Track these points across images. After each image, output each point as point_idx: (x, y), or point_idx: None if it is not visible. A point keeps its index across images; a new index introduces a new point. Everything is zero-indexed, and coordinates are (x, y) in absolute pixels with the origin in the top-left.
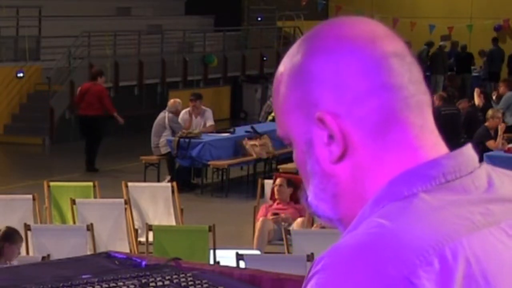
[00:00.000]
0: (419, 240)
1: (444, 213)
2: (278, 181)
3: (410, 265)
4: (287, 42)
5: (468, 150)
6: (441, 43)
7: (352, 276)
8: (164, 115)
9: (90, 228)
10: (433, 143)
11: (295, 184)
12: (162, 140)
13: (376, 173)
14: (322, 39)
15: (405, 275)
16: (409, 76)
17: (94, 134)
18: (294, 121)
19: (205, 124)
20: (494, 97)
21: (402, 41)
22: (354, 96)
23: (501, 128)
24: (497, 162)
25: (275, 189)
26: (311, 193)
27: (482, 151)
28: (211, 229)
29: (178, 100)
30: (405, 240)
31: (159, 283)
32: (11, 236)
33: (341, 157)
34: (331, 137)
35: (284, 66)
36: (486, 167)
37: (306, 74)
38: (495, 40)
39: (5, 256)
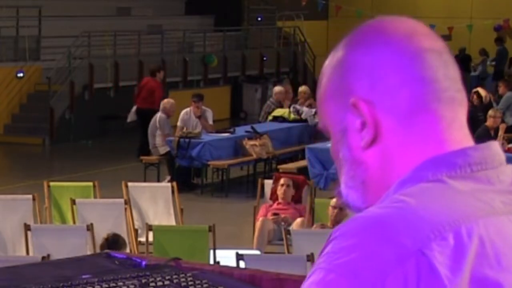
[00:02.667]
0: (436, 216)
1: (465, 196)
2: (284, 181)
3: (424, 237)
4: (287, 42)
5: (495, 146)
6: None
7: (365, 243)
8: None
9: (90, 228)
10: (460, 139)
11: (297, 185)
12: (157, 140)
13: (400, 161)
14: (361, 34)
15: (418, 246)
16: (444, 72)
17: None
18: (331, 110)
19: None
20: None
21: (442, 40)
22: (386, 87)
23: (501, 128)
24: None
25: (282, 188)
26: (343, 183)
27: None
28: (211, 229)
29: (171, 100)
30: (422, 215)
31: (159, 283)
32: (123, 242)
33: (371, 143)
34: (363, 123)
35: (328, 61)
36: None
37: (345, 64)
38: (499, 40)
39: None
